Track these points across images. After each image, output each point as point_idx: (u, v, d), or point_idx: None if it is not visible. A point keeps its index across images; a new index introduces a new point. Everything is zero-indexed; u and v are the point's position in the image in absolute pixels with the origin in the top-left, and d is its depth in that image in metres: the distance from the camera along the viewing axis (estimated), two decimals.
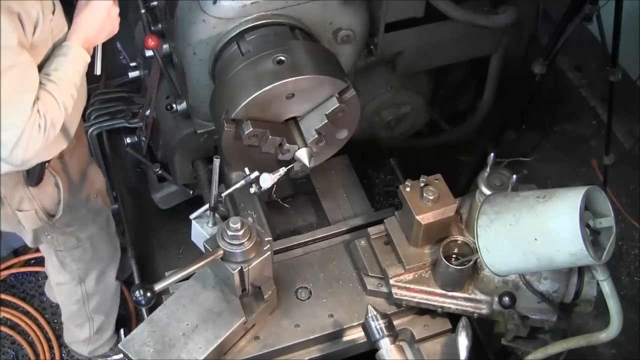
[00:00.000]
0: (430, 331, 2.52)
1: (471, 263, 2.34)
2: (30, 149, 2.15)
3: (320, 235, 2.81)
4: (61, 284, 3.18)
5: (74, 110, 2.37)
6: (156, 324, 2.30)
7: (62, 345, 3.57)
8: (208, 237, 2.30)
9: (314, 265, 2.65)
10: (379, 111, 3.45)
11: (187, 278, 2.30)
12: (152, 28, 2.99)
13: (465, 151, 3.79)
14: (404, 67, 3.25)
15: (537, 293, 2.34)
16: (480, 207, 2.24)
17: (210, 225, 2.40)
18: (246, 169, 2.34)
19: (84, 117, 3.43)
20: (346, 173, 3.25)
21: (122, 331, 3.19)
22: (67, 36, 2.31)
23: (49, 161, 2.53)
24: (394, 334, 2.14)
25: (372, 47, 3.00)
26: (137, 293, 2.02)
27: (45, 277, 3.45)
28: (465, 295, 2.44)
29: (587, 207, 2.08)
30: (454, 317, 2.45)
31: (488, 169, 2.37)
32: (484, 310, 2.44)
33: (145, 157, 3.45)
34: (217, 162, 2.27)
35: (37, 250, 3.68)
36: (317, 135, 2.57)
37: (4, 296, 3.70)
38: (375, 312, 2.16)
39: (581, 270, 2.34)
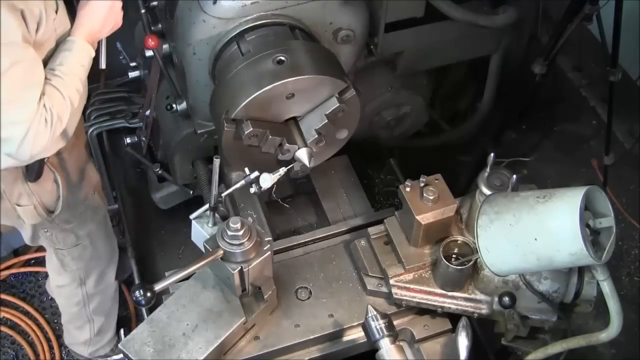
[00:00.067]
0: (430, 331, 2.52)
1: (471, 263, 2.34)
2: (38, 144, 2.16)
3: (320, 235, 2.81)
4: (61, 287, 3.18)
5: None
6: (156, 324, 2.31)
7: (62, 345, 3.57)
8: (208, 237, 2.30)
9: (314, 265, 2.65)
10: (379, 111, 3.45)
11: (187, 278, 2.30)
12: (152, 28, 2.99)
13: (465, 151, 3.79)
14: (404, 67, 3.25)
15: (537, 293, 2.34)
16: (480, 207, 2.24)
17: (210, 225, 2.40)
18: (246, 169, 2.34)
19: (84, 117, 3.43)
20: (346, 173, 3.25)
21: (122, 331, 3.19)
22: (71, 31, 2.32)
23: (47, 157, 2.54)
24: (394, 334, 2.14)
25: (372, 47, 3.00)
26: (137, 293, 2.02)
27: (46, 277, 3.46)
28: (465, 295, 2.44)
29: (587, 207, 2.08)
30: (454, 317, 2.45)
31: (488, 169, 2.37)
32: (484, 310, 2.44)
33: (145, 157, 3.45)
34: (217, 162, 2.27)
35: (37, 250, 3.69)
36: (317, 135, 2.57)
37: (4, 296, 3.70)
38: (375, 312, 2.15)
39: (581, 270, 2.33)
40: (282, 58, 2.46)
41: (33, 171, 2.52)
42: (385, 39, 2.96)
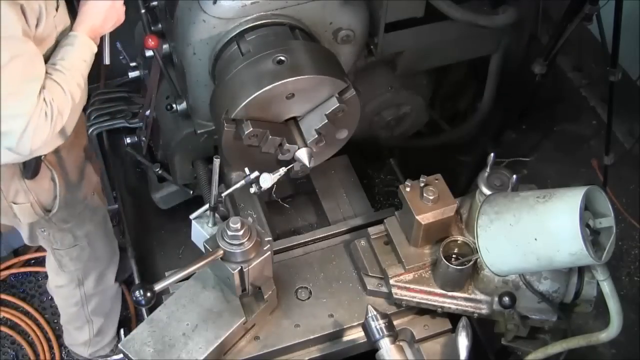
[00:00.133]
0: (430, 331, 2.52)
1: (471, 263, 2.34)
2: (38, 138, 2.16)
3: (320, 235, 2.81)
4: (60, 287, 3.17)
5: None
6: (156, 324, 2.30)
7: (62, 345, 3.57)
8: (208, 237, 2.30)
9: (314, 265, 2.65)
10: (379, 111, 3.45)
11: (187, 278, 2.30)
12: (152, 28, 2.99)
13: (465, 151, 3.79)
14: (404, 67, 3.25)
15: (537, 293, 2.34)
16: (480, 207, 2.24)
17: (210, 225, 2.40)
18: (246, 169, 2.34)
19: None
20: (346, 173, 3.25)
21: (122, 331, 3.19)
22: (73, 27, 2.32)
23: (45, 155, 2.54)
24: (394, 334, 2.14)
25: (372, 47, 3.00)
26: (137, 293, 2.02)
27: (46, 277, 3.44)
28: (465, 295, 2.44)
29: (587, 207, 2.08)
30: (454, 317, 2.45)
31: (488, 169, 2.37)
32: (484, 310, 2.44)
33: (145, 157, 3.45)
34: (217, 162, 2.27)
35: (37, 250, 3.69)
36: (317, 135, 2.57)
37: (4, 296, 3.70)
38: (375, 312, 2.15)
39: (581, 270, 2.33)
40: (282, 58, 2.46)
41: (30, 168, 2.52)
42: (385, 39, 2.96)
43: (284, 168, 2.42)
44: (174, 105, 3.00)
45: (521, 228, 2.11)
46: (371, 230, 2.61)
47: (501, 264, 2.23)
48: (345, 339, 2.51)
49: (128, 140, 3.49)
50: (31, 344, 3.58)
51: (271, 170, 2.37)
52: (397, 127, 3.56)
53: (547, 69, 3.03)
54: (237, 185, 2.37)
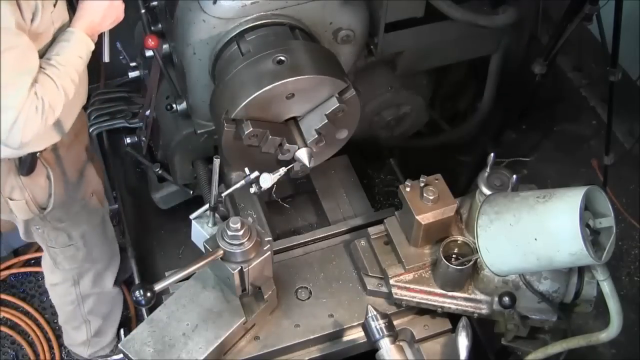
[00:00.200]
0: (430, 331, 2.52)
1: (471, 263, 2.34)
2: (28, 131, 2.16)
3: (320, 235, 2.81)
4: (55, 285, 3.17)
5: (71, 102, 2.37)
6: (156, 324, 2.30)
7: (62, 345, 3.56)
8: (208, 237, 2.30)
9: (314, 265, 2.65)
10: (379, 111, 3.45)
11: (187, 278, 2.30)
12: (152, 28, 2.99)
13: (465, 151, 3.79)
14: (404, 67, 3.25)
15: (537, 293, 2.34)
16: (480, 207, 2.24)
17: (210, 225, 2.40)
18: (246, 169, 2.34)
19: None
20: (346, 173, 3.25)
21: (122, 331, 3.19)
22: (71, 23, 2.32)
23: (41, 152, 2.54)
24: (394, 334, 2.14)
25: (372, 47, 3.00)
26: (137, 293, 2.02)
27: None
28: (465, 295, 2.44)
29: (587, 207, 2.08)
30: (454, 317, 2.45)
31: (488, 169, 2.37)
32: (484, 310, 2.44)
33: (145, 157, 3.45)
34: (217, 162, 2.27)
35: (37, 250, 3.69)
36: (317, 135, 2.57)
37: (4, 296, 3.70)
38: (375, 312, 2.15)
39: (581, 270, 2.33)
40: (282, 58, 2.46)
41: (26, 165, 2.52)
42: (385, 39, 2.96)
43: (284, 168, 2.42)
44: (174, 105, 3.00)
45: (521, 228, 2.11)
46: (371, 230, 2.61)
47: (501, 264, 2.22)
48: (345, 339, 2.51)
49: (128, 140, 3.49)
50: (31, 344, 3.58)
51: (271, 170, 2.37)
52: (397, 127, 3.56)
53: (547, 69, 3.03)
54: (237, 185, 2.37)
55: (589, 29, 3.16)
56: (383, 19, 2.87)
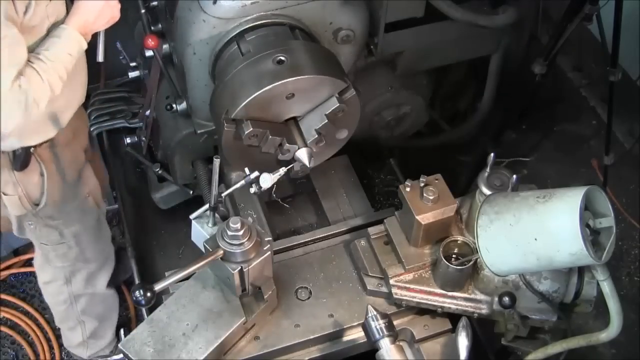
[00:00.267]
0: (430, 331, 2.52)
1: (471, 263, 2.34)
2: (9, 123, 2.17)
3: (320, 235, 2.80)
4: (47, 283, 3.16)
5: (67, 98, 2.36)
6: (156, 324, 2.30)
7: (62, 345, 3.56)
8: (208, 237, 2.30)
9: (314, 265, 2.65)
10: (379, 111, 3.45)
11: (187, 278, 2.30)
12: (152, 28, 2.99)
13: (465, 151, 3.79)
14: (404, 67, 3.25)
15: (537, 293, 2.34)
16: (480, 207, 2.24)
17: (210, 225, 2.40)
18: (246, 169, 2.34)
19: None
20: (346, 173, 3.25)
21: (122, 331, 3.19)
22: (65, 20, 2.31)
23: (36, 148, 2.53)
24: (394, 334, 2.14)
25: (372, 47, 3.00)
26: (137, 293, 2.02)
27: None
28: (465, 295, 2.44)
29: (587, 207, 2.08)
30: (454, 317, 2.45)
31: (488, 169, 2.37)
32: (484, 310, 2.44)
33: (145, 157, 3.45)
34: (217, 162, 2.27)
35: None
36: (317, 135, 2.57)
37: (4, 296, 3.70)
38: (375, 312, 2.15)
39: (581, 270, 2.33)
40: (282, 58, 2.46)
41: (19, 159, 2.52)
42: (385, 39, 2.96)
43: (284, 168, 2.42)
44: (174, 105, 3.00)
45: (521, 228, 2.11)
46: (371, 230, 2.61)
47: (501, 264, 2.23)
48: (345, 339, 2.50)
49: (128, 140, 3.49)
50: (31, 344, 3.58)
51: (271, 170, 2.37)
52: (397, 127, 3.56)
53: (547, 69, 3.03)
54: (237, 185, 2.37)
55: (589, 29, 3.16)
56: (383, 19, 2.87)
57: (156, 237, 3.72)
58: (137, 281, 3.42)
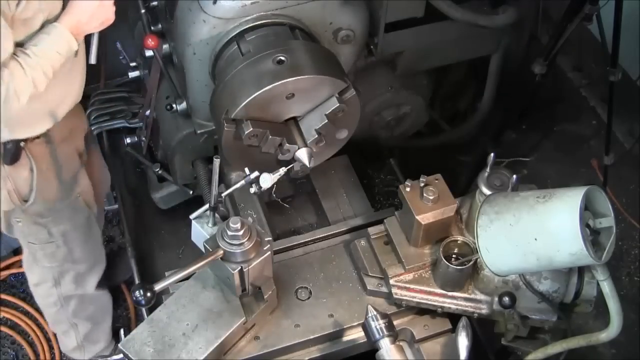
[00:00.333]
0: (430, 331, 2.52)
1: (471, 263, 2.34)
2: None
3: (320, 235, 2.80)
4: (36, 285, 3.14)
5: (61, 94, 2.34)
6: (156, 324, 2.30)
7: None
8: (208, 237, 2.30)
9: (314, 265, 2.65)
10: (379, 111, 3.45)
11: (187, 278, 2.30)
12: (152, 28, 2.99)
13: (465, 151, 3.79)
14: (404, 67, 3.25)
15: (537, 293, 2.34)
16: (480, 207, 2.24)
17: (210, 225, 2.40)
18: (246, 169, 2.34)
19: None
20: (346, 173, 3.25)
21: (122, 331, 3.18)
22: (58, 19, 2.28)
23: (26, 142, 2.51)
24: (394, 334, 2.14)
25: (372, 47, 3.00)
26: (137, 293, 2.02)
27: None
28: (465, 295, 2.44)
29: (587, 207, 2.08)
30: (454, 317, 2.45)
31: (488, 169, 2.37)
32: (484, 310, 2.44)
33: (145, 157, 3.46)
34: (217, 162, 2.27)
35: None
36: (317, 135, 2.57)
37: (4, 296, 3.70)
38: (375, 312, 2.15)
39: (581, 270, 2.33)
40: (282, 58, 2.46)
41: (9, 153, 2.49)
42: (385, 39, 2.96)
43: (284, 168, 2.42)
44: (174, 105, 3.00)
45: (521, 228, 2.11)
46: (371, 230, 2.61)
47: (501, 264, 2.23)
48: (345, 339, 2.50)
49: (128, 140, 3.49)
50: (31, 344, 3.58)
51: (271, 170, 2.38)
52: (397, 127, 3.56)
53: (547, 69, 3.03)
54: (237, 185, 2.37)
55: (589, 29, 3.16)
56: (383, 19, 2.87)
57: (156, 237, 3.72)
58: (137, 281, 3.42)
